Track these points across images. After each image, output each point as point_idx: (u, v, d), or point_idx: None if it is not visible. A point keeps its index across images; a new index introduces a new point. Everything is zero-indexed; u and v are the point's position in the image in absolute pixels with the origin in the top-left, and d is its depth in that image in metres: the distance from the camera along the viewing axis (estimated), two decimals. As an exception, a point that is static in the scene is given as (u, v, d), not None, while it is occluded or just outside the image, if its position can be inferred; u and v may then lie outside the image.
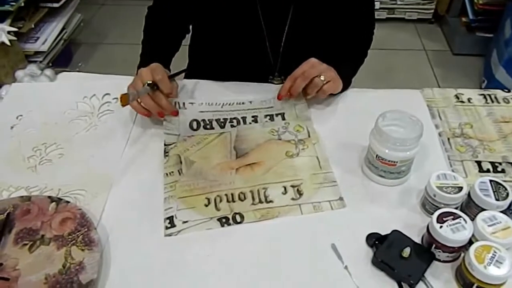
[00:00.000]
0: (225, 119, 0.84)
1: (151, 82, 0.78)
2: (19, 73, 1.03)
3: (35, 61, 1.99)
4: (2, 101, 0.92)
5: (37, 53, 2.05)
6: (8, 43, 1.84)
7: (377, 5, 2.52)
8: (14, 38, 1.89)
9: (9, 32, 1.86)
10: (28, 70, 1.03)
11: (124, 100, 0.74)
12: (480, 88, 2.18)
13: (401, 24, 2.67)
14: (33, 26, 2.05)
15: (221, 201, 0.71)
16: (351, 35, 0.95)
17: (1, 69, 1.86)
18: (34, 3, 2.10)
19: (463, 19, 2.43)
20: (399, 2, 2.61)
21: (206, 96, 0.89)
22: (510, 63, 1.95)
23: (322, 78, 0.81)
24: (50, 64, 1.90)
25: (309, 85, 0.82)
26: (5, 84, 1.00)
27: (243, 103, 0.88)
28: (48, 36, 2.10)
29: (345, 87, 0.89)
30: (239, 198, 0.71)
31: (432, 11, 2.64)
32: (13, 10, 1.92)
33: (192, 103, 0.87)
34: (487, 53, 2.22)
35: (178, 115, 0.84)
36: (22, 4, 1.95)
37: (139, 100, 0.79)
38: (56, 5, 2.13)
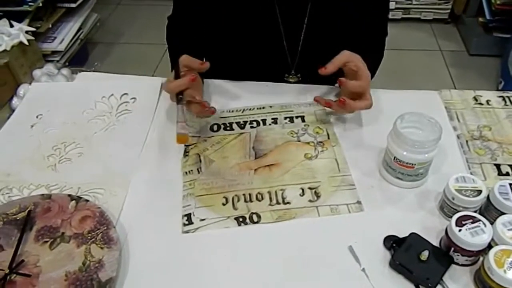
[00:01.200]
0: (245, 121, 0.85)
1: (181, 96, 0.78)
2: (36, 72, 1.05)
3: (52, 61, 2.03)
4: (22, 101, 0.94)
5: (54, 52, 2.09)
6: (26, 42, 1.87)
7: (393, 5, 2.51)
8: (32, 37, 1.93)
9: (27, 32, 1.90)
10: (45, 69, 1.06)
11: (185, 140, 0.77)
12: (497, 89, 2.15)
13: (416, 24, 2.65)
14: (50, 26, 2.09)
15: (238, 200, 0.71)
16: (365, 32, 0.94)
17: (19, 68, 1.89)
18: (51, 3, 2.14)
19: (480, 19, 2.40)
20: (414, 2, 2.59)
21: (226, 101, 0.90)
22: (528, 64, 1.93)
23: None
24: (67, 64, 1.94)
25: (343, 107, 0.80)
26: (23, 83, 1.02)
27: (263, 107, 0.88)
28: (65, 36, 2.14)
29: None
30: (257, 199, 0.71)
31: (449, 11, 2.62)
32: (32, 10, 1.96)
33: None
34: (504, 53, 2.18)
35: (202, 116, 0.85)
36: (40, 4, 1.99)
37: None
38: (73, 5, 2.17)
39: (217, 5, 0.89)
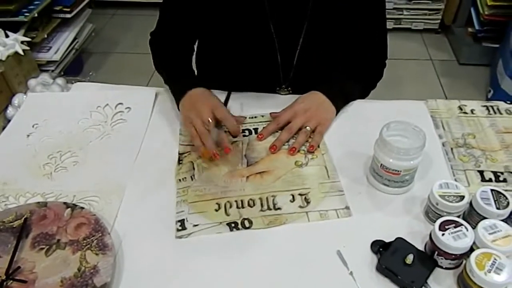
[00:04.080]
0: None
1: (215, 121, 0.78)
2: (31, 82, 1.06)
3: (47, 70, 2.04)
4: (18, 110, 0.95)
5: (49, 62, 2.10)
6: (21, 52, 1.87)
7: (384, 15, 2.55)
8: (27, 47, 1.93)
9: (22, 42, 1.90)
10: (40, 79, 1.06)
11: (208, 154, 0.77)
12: (486, 97, 2.19)
13: (407, 34, 2.69)
14: (46, 36, 2.10)
15: (231, 206, 0.73)
16: (362, 56, 0.97)
17: (14, 78, 1.90)
18: (47, 13, 2.15)
19: (469, 29, 2.45)
20: (405, 13, 2.64)
21: None
22: (516, 73, 1.97)
23: (308, 128, 0.84)
24: (62, 73, 1.95)
25: (298, 138, 0.83)
26: (18, 92, 1.03)
27: (255, 117, 0.91)
28: (60, 46, 2.15)
29: (343, 104, 0.91)
30: (248, 205, 0.73)
31: (439, 21, 2.66)
32: (27, 21, 1.97)
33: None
34: (493, 63, 2.23)
35: None
36: (36, 15, 2.00)
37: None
38: (68, 15, 2.19)
39: (211, 16, 0.90)
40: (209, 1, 0.88)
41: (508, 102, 0.91)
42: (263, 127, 0.87)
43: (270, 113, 0.89)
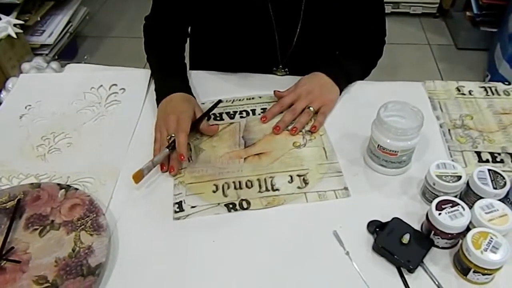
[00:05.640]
0: (235, 112, 0.86)
1: (173, 142, 0.75)
2: (25, 66, 1.04)
3: (41, 54, 2.01)
4: (11, 92, 0.94)
5: (43, 46, 2.07)
6: (14, 36, 1.86)
7: (382, -1, 2.52)
8: (20, 31, 1.91)
9: (15, 25, 1.88)
10: (34, 62, 1.04)
11: (138, 178, 0.72)
12: (484, 82, 2.19)
13: (406, 18, 2.67)
14: (39, 19, 2.07)
15: (228, 188, 0.72)
16: (361, 35, 0.96)
17: (8, 61, 1.88)
18: (40, -4, 2.12)
19: (468, 13, 2.42)
20: (403, -4, 2.61)
21: (214, 93, 0.90)
22: (514, 57, 1.96)
23: (311, 108, 0.83)
24: (56, 57, 1.92)
25: (300, 118, 0.82)
26: (11, 76, 1.02)
27: (253, 98, 0.89)
28: (54, 29, 2.12)
29: (346, 84, 0.90)
30: (246, 186, 0.73)
31: (437, 5, 2.64)
32: (20, 3, 1.94)
33: (203, 103, 0.88)
34: (491, 47, 2.22)
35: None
36: (29, -3, 1.97)
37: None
38: (62, -2, 2.15)
39: (204, 6, 0.89)
40: None
41: (506, 83, 0.91)
42: (267, 109, 0.86)
43: (274, 91, 0.88)
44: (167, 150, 0.74)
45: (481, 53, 2.35)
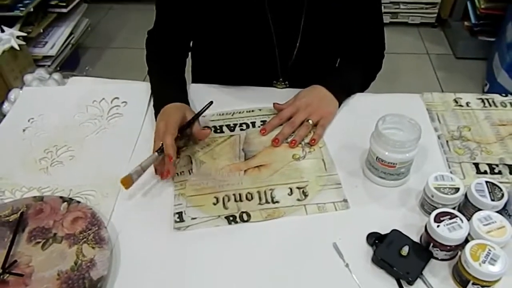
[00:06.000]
0: (235, 124, 0.87)
1: (162, 146, 0.75)
2: (27, 77, 1.05)
3: (44, 65, 2.03)
4: (14, 105, 0.95)
5: (45, 57, 2.10)
6: (17, 47, 1.87)
7: (380, 9, 2.55)
8: (23, 42, 1.93)
9: (18, 37, 1.90)
10: (36, 74, 1.05)
11: (127, 183, 0.71)
12: (483, 91, 2.20)
13: (404, 28, 2.69)
14: (41, 30, 2.10)
15: (229, 200, 0.73)
16: (361, 48, 0.97)
17: (10, 73, 1.89)
18: (43, 8, 2.14)
19: (466, 23, 2.45)
20: (402, 7, 2.63)
21: (215, 105, 0.89)
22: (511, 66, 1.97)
23: (310, 121, 0.84)
24: (58, 68, 1.94)
25: (299, 131, 0.83)
26: (14, 88, 1.03)
27: (252, 110, 0.91)
28: (56, 41, 2.15)
29: (345, 97, 0.91)
30: (247, 198, 0.73)
31: (435, 15, 2.67)
32: (23, 15, 1.97)
33: (204, 116, 0.89)
34: (489, 56, 2.23)
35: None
36: (31, 10, 2.00)
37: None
38: (64, 10, 2.18)
39: (208, 11, 0.89)
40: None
41: (503, 94, 0.92)
42: (266, 121, 0.87)
43: (274, 104, 0.88)
44: (156, 154, 0.75)
45: (479, 62, 2.37)
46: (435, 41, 2.62)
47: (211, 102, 0.86)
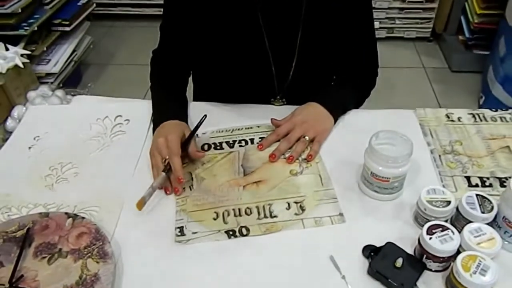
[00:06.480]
0: (234, 141, 0.90)
1: (168, 165, 0.78)
2: (31, 94, 1.06)
3: (47, 82, 2.06)
4: (20, 123, 0.98)
5: (48, 74, 2.13)
6: (21, 65, 1.90)
7: (377, 24, 2.60)
8: (27, 60, 1.95)
9: (22, 55, 1.93)
10: (39, 91, 1.07)
11: (141, 205, 0.75)
12: (478, 103, 2.23)
13: (400, 42, 2.74)
14: (45, 49, 2.13)
15: (228, 215, 0.75)
16: (355, 67, 1.01)
17: (14, 90, 1.92)
18: (46, 27, 2.18)
19: (460, 37, 2.50)
20: (398, 22, 2.68)
21: (215, 123, 0.94)
22: (506, 79, 2.01)
23: (306, 137, 0.87)
24: (61, 85, 1.96)
25: (296, 147, 0.86)
26: (17, 104, 1.05)
27: (251, 127, 0.93)
28: (59, 58, 2.18)
29: (340, 114, 0.94)
30: (246, 213, 0.76)
31: (430, 29, 2.71)
32: (27, 34, 2.00)
33: (204, 133, 0.92)
34: (484, 70, 2.27)
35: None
36: (35, 28, 2.03)
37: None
38: (67, 28, 2.22)
39: (208, 35, 0.93)
40: (206, 21, 0.91)
41: (493, 109, 0.94)
42: (264, 138, 0.89)
43: (271, 119, 0.91)
44: (164, 174, 0.78)
45: (474, 75, 2.41)
46: (431, 55, 2.66)
47: (205, 116, 0.87)
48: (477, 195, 0.68)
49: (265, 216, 0.75)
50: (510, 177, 0.79)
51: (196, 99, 1.09)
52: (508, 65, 1.99)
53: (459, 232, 0.64)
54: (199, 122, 0.86)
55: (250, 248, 0.71)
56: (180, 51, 0.98)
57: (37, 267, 0.68)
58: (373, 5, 2.44)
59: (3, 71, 1.86)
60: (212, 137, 0.91)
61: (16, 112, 1.02)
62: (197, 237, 0.72)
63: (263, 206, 0.77)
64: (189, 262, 0.69)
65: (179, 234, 0.72)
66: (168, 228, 0.74)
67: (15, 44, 1.95)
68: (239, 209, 0.76)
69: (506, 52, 2.00)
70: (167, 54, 1.00)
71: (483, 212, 0.66)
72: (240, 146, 0.89)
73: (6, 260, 0.68)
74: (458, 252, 0.62)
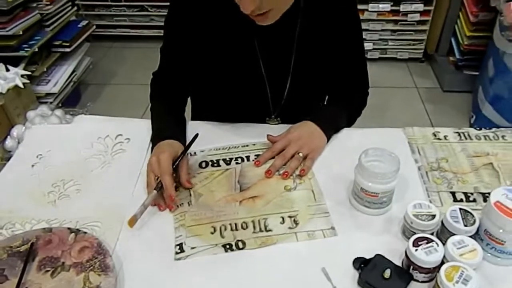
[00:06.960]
0: (231, 158, 0.94)
1: (160, 183, 0.81)
2: (30, 114, 1.09)
3: (46, 102, 2.10)
4: (23, 142, 1.01)
5: (48, 94, 2.17)
6: (21, 86, 1.93)
7: (370, 45, 2.67)
8: (27, 81, 1.99)
9: (23, 76, 1.97)
10: (39, 110, 1.10)
11: (132, 222, 0.78)
12: (469, 122, 2.29)
13: (393, 63, 2.81)
14: (45, 69, 2.18)
15: (225, 229, 0.78)
16: (347, 88, 1.06)
17: (14, 110, 1.95)
18: (47, 48, 2.23)
19: (451, 58, 2.57)
20: (390, 43, 2.76)
21: (212, 141, 0.98)
22: (495, 99, 2.07)
23: (300, 154, 0.90)
24: (60, 105, 2.00)
25: (290, 164, 0.89)
26: (17, 124, 1.07)
27: (247, 145, 0.97)
28: (59, 79, 2.22)
29: (333, 132, 0.98)
30: (242, 227, 0.79)
31: (422, 50, 2.79)
32: (28, 55, 2.05)
33: (202, 151, 0.96)
34: (474, 89, 2.33)
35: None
36: (36, 50, 2.08)
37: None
38: (68, 49, 2.27)
39: (206, 59, 0.98)
40: (205, 45, 0.96)
41: (478, 128, 0.99)
42: (260, 155, 0.93)
43: (267, 135, 0.95)
44: (155, 192, 0.81)
45: (465, 95, 2.47)
46: (423, 75, 2.73)
47: (197, 135, 0.91)
48: (460, 209, 0.72)
49: (261, 230, 0.78)
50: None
51: (194, 118, 1.13)
52: (497, 85, 2.05)
53: (444, 244, 0.68)
54: (190, 141, 0.90)
55: (246, 261, 0.74)
56: (179, 73, 1.03)
57: (41, 280, 0.70)
58: (367, 27, 2.54)
59: (3, 91, 1.89)
60: (210, 155, 0.95)
61: (15, 131, 1.04)
62: (195, 252, 0.75)
63: (259, 221, 0.80)
64: (188, 275, 0.72)
65: (178, 251, 0.75)
66: (168, 242, 0.76)
67: (16, 65, 1.99)
68: (236, 224, 0.79)
69: (495, 72, 2.06)
70: (166, 75, 1.04)
71: (466, 225, 0.69)
72: (237, 163, 0.93)
73: (11, 273, 0.71)
74: (443, 263, 0.66)
